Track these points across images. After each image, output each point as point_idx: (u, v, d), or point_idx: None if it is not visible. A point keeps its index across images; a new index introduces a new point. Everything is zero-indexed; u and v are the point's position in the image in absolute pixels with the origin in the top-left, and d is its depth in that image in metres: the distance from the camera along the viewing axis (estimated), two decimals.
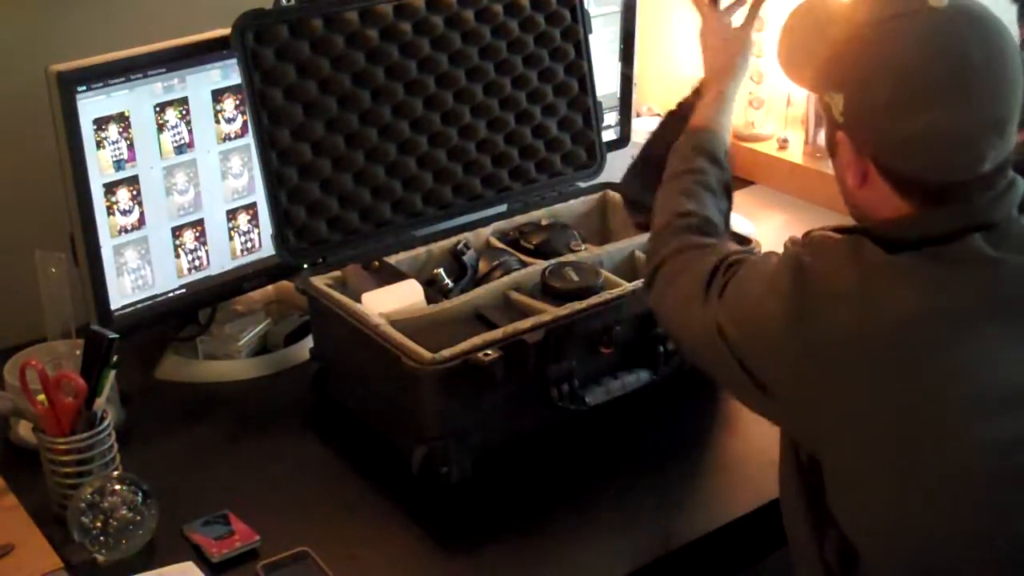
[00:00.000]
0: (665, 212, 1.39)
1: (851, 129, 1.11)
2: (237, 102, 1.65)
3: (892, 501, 1.10)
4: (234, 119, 1.66)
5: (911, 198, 1.11)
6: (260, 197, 1.68)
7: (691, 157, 1.42)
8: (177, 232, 1.64)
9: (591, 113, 1.89)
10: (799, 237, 1.19)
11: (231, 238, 1.70)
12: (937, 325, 1.07)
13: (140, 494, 1.34)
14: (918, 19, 1.07)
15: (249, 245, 1.73)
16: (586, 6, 1.86)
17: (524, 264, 1.66)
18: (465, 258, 1.68)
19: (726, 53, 1.53)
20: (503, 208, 1.82)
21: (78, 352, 1.42)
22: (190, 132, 1.61)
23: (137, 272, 1.60)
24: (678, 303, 1.29)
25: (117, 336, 1.39)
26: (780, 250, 1.21)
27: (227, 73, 1.63)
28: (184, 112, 1.60)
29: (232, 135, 1.66)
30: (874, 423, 1.08)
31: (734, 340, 1.17)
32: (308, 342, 1.71)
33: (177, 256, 1.65)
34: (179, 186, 1.62)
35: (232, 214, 1.70)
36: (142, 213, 1.59)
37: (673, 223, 1.36)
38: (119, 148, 1.54)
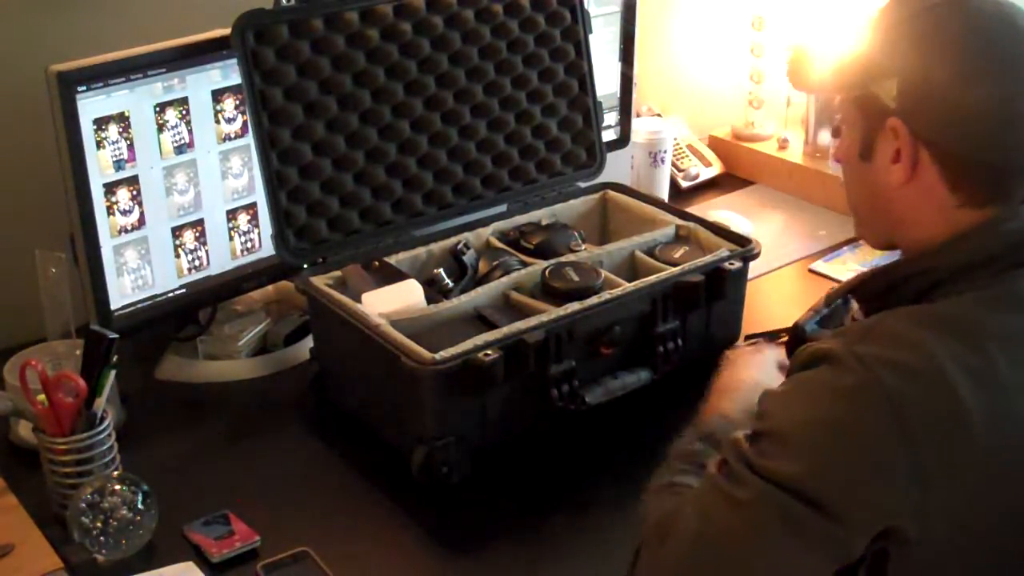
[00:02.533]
0: (651, 488, 1.22)
1: (908, 112, 1.08)
2: (237, 102, 1.65)
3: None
4: (234, 119, 1.66)
5: (959, 191, 1.09)
6: (260, 197, 1.68)
7: (696, 442, 1.25)
8: (177, 232, 1.64)
9: (591, 113, 1.89)
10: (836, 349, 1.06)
11: (231, 238, 1.70)
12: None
13: (140, 494, 1.34)
14: (971, 1, 1.09)
15: (249, 245, 1.73)
16: (586, 6, 1.86)
17: (524, 264, 1.66)
18: (465, 258, 1.68)
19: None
20: (503, 208, 1.81)
21: (78, 352, 1.42)
22: (190, 132, 1.61)
23: (137, 272, 1.60)
24: (691, 528, 1.08)
25: (117, 336, 1.39)
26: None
27: (227, 73, 1.63)
28: (184, 112, 1.60)
29: (232, 135, 1.66)
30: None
31: (818, 492, 1.02)
32: (308, 342, 1.71)
33: (177, 256, 1.65)
34: (179, 186, 1.62)
35: (232, 214, 1.70)
36: (142, 213, 1.59)
37: (654, 497, 1.20)
38: (119, 148, 1.54)
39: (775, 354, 1.41)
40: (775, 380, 1.30)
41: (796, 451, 1.04)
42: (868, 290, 1.18)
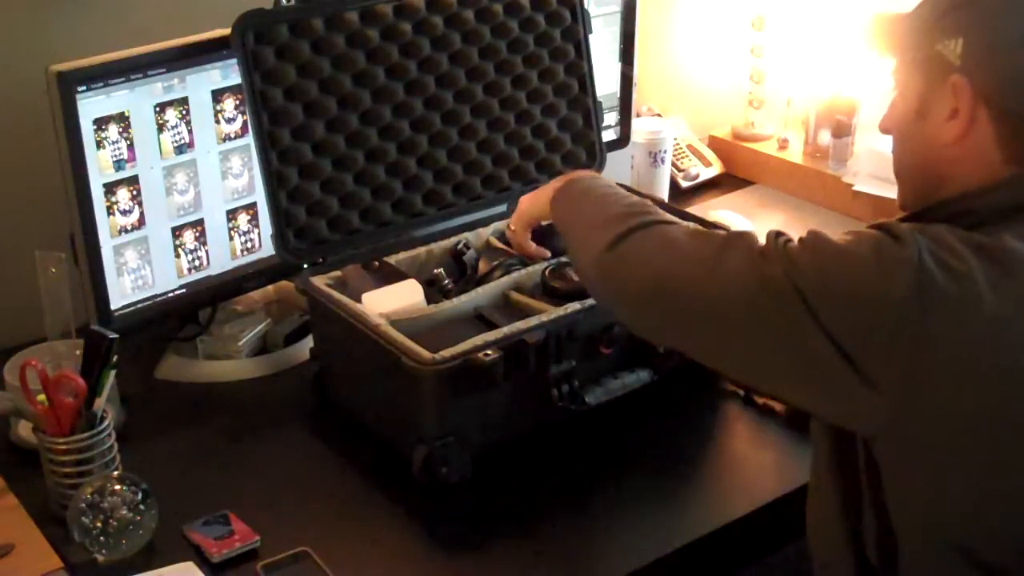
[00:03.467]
0: (608, 206, 1.30)
1: (972, 70, 1.12)
2: (237, 102, 1.65)
3: (973, 477, 1.11)
4: (234, 119, 1.66)
5: (1008, 149, 1.12)
6: (260, 197, 1.68)
7: (605, 185, 1.36)
8: (177, 232, 1.64)
9: (591, 113, 1.89)
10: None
11: (231, 238, 1.70)
12: None
13: (140, 494, 1.34)
14: None
15: (249, 245, 1.73)
16: (586, 6, 1.86)
17: (524, 264, 1.66)
18: (465, 258, 1.68)
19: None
20: (503, 208, 1.81)
21: (78, 352, 1.42)
22: (190, 132, 1.61)
23: (137, 272, 1.60)
24: (691, 257, 1.17)
25: (117, 336, 1.39)
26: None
27: (227, 73, 1.63)
28: (184, 112, 1.60)
29: (232, 135, 1.66)
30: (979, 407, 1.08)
31: (825, 307, 1.08)
32: (308, 342, 1.71)
33: (177, 256, 1.65)
34: (179, 186, 1.62)
35: (232, 214, 1.70)
36: (142, 213, 1.59)
37: (635, 208, 1.28)
38: (119, 148, 1.54)
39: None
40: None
41: (821, 259, 1.09)
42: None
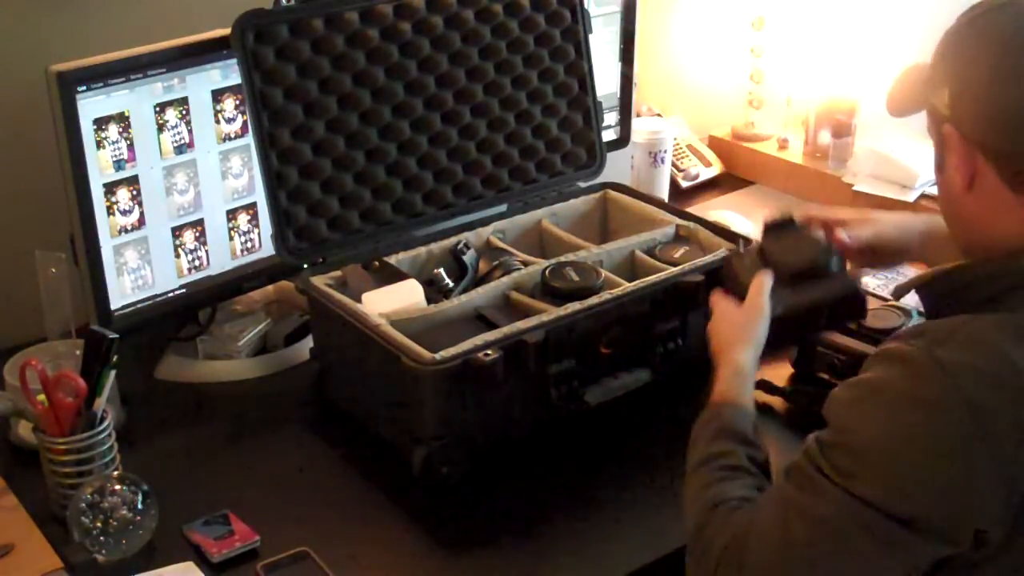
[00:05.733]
0: (698, 511, 1.17)
1: (957, 116, 1.11)
2: (237, 102, 1.64)
3: None
4: (234, 119, 1.66)
5: (1020, 190, 1.10)
6: (260, 197, 1.68)
7: (717, 440, 1.23)
8: (177, 232, 1.64)
9: (591, 113, 1.89)
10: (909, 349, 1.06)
11: (231, 238, 1.70)
12: None
13: (140, 494, 1.34)
14: (1008, 8, 1.11)
15: (249, 245, 1.73)
16: (586, 6, 1.86)
17: (524, 264, 1.66)
18: (465, 258, 1.68)
19: (744, 318, 1.36)
20: (503, 208, 1.81)
21: (78, 352, 1.42)
22: (190, 132, 1.61)
23: (137, 272, 1.60)
24: (774, 547, 1.07)
25: (117, 336, 1.39)
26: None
27: (227, 73, 1.63)
28: (184, 112, 1.60)
29: (232, 135, 1.66)
30: None
31: (907, 509, 1.03)
32: (308, 342, 1.71)
33: (177, 256, 1.65)
34: (179, 186, 1.62)
35: (232, 214, 1.70)
36: (142, 213, 1.59)
37: (711, 517, 1.15)
38: (119, 148, 1.54)
39: (731, 304, 1.40)
40: (753, 327, 1.33)
41: (876, 468, 1.03)
42: (935, 289, 1.18)
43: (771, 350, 1.38)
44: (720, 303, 1.41)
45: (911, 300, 1.41)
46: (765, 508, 1.11)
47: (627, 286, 1.56)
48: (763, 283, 1.38)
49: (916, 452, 1.02)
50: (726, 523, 1.12)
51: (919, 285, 1.21)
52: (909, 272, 1.68)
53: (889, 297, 1.74)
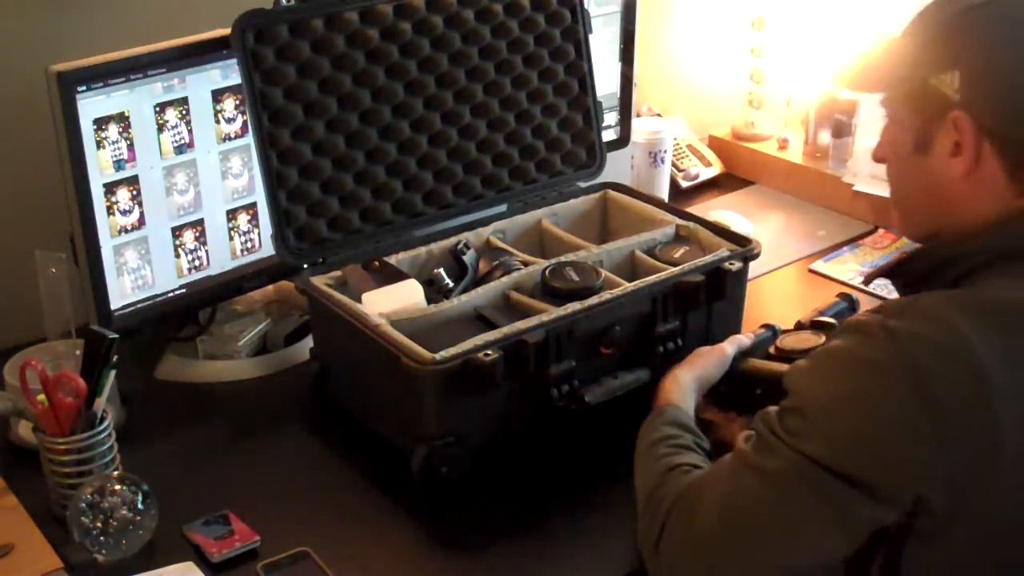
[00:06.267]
0: (649, 479, 1.23)
1: (971, 103, 1.09)
2: (237, 102, 1.65)
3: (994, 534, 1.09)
4: (234, 119, 1.66)
5: (1018, 180, 1.10)
6: (260, 197, 1.68)
7: (664, 427, 1.31)
8: (177, 232, 1.64)
9: (591, 113, 1.89)
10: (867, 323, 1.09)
11: (231, 238, 1.70)
12: None
13: (140, 494, 1.34)
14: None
15: (249, 245, 1.73)
16: (586, 6, 1.86)
17: (524, 264, 1.66)
18: (465, 258, 1.68)
19: (702, 352, 1.47)
20: (503, 208, 1.81)
21: (78, 352, 1.42)
22: (190, 132, 1.61)
23: (137, 272, 1.60)
24: (720, 498, 1.11)
25: (117, 336, 1.39)
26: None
27: (227, 73, 1.63)
28: (184, 112, 1.60)
29: (232, 135, 1.66)
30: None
31: (849, 467, 1.06)
32: (308, 342, 1.71)
33: (177, 256, 1.65)
34: (179, 186, 1.62)
35: (232, 214, 1.70)
36: (142, 213, 1.59)
37: (664, 479, 1.21)
38: (119, 148, 1.54)
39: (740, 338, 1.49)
40: (706, 360, 1.43)
41: (823, 428, 1.06)
42: (906, 272, 1.19)
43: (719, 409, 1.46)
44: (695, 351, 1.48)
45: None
46: (720, 466, 1.15)
47: (627, 286, 1.56)
48: (739, 338, 1.47)
49: (860, 412, 1.05)
50: (678, 482, 1.17)
51: (893, 268, 1.21)
52: None
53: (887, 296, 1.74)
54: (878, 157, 1.22)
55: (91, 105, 1.50)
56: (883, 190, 2.13)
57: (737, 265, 1.62)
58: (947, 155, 1.12)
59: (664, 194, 2.17)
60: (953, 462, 1.04)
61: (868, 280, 1.30)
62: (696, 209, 2.03)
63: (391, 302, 1.52)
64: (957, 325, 1.04)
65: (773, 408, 1.12)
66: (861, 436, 1.05)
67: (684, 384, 1.41)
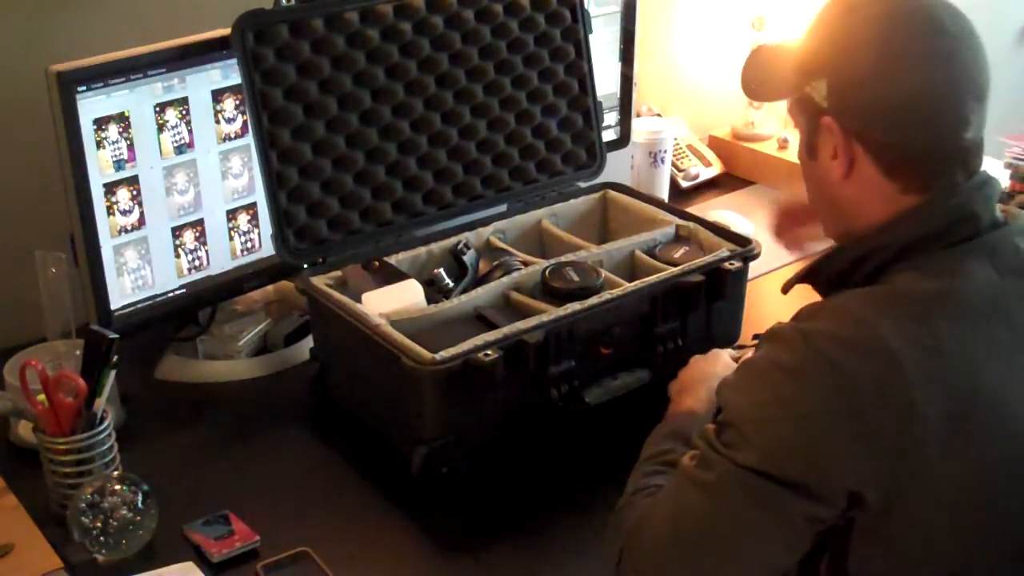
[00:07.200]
0: (623, 497, 1.23)
1: (837, 109, 1.12)
2: (237, 102, 1.65)
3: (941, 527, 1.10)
4: (234, 119, 1.66)
5: (897, 178, 1.12)
6: (260, 197, 1.68)
7: (664, 441, 1.30)
8: (177, 232, 1.64)
9: (591, 113, 1.89)
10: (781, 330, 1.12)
11: (231, 238, 1.70)
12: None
13: (140, 494, 1.34)
14: (891, 1, 1.12)
15: (249, 245, 1.73)
16: (586, 6, 1.86)
17: (524, 264, 1.66)
18: (465, 258, 1.68)
19: (713, 364, 1.44)
20: (503, 208, 1.81)
21: (78, 352, 1.42)
22: (190, 132, 1.61)
23: (137, 272, 1.60)
24: (667, 516, 1.12)
25: (117, 336, 1.39)
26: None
27: (227, 73, 1.63)
28: (184, 112, 1.60)
29: (232, 135, 1.66)
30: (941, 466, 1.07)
31: (782, 471, 1.06)
32: (308, 342, 1.71)
33: (177, 256, 1.65)
34: (179, 186, 1.62)
35: (232, 214, 1.70)
36: (142, 213, 1.59)
37: (630, 500, 1.21)
38: (119, 148, 1.54)
39: (728, 351, 1.47)
40: (730, 369, 1.37)
41: (754, 437, 1.08)
42: (819, 277, 1.21)
43: None
44: (695, 358, 1.46)
45: None
46: (666, 487, 1.16)
47: (627, 286, 1.56)
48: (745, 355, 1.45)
49: (786, 417, 1.07)
50: (637, 506, 1.18)
51: (806, 275, 1.23)
52: None
53: None
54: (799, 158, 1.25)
55: (91, 105, 1.50)
56: None
57: (737, 265, 1.62)
58: (829, 159, 1.15)
59: (664, 194, 2.17)
60: (878, 454, 1.05)
61: (786, 288, 1.30)
62: (696, 209, 2.03)
63: (391, 302, 1.52)
64: (868, 319, 1.07)
65: (711, 425, 1.14)
66: (790, 440, 1.06)
67: (697, 412, 1.37)
